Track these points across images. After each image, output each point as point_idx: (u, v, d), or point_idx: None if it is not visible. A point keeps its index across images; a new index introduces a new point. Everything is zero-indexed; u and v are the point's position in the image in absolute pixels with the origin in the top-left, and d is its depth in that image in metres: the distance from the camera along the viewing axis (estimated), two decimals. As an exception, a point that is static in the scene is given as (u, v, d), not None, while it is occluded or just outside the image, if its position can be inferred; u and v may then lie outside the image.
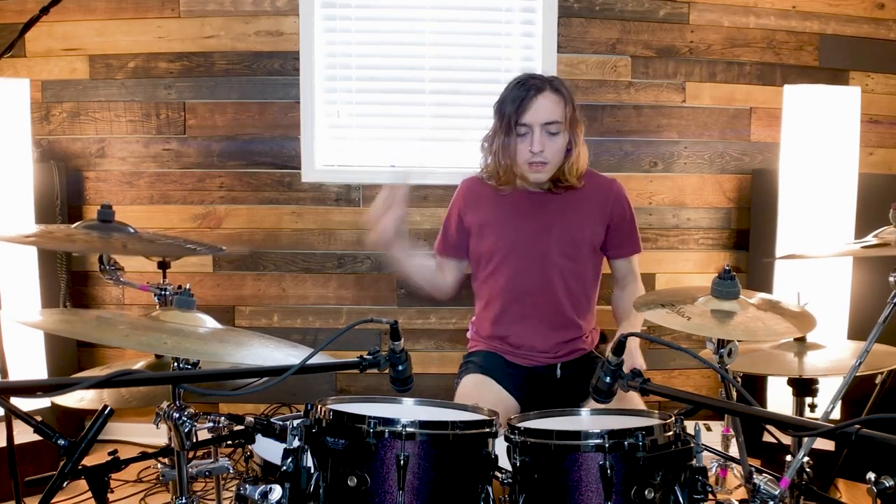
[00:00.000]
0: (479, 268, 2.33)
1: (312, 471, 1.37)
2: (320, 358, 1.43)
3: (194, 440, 1.48)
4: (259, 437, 1.45)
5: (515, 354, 2.27)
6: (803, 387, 1.90)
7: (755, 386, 2.97)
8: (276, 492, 1.34)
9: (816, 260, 2.80)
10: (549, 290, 2.24)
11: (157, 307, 1.86)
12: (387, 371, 1.53)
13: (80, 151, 3.25)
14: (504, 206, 2.25)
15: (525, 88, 2.12)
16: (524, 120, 2.10)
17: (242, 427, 1.48)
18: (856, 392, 1.91)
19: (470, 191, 2.32)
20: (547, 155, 2.12)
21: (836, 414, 1.61)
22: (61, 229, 1.70)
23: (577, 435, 1.38)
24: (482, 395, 2.11)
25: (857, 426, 1.04)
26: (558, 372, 2.25)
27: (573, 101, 2.18)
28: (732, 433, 1.72)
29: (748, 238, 3.23)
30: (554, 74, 2.21)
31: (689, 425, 1.43)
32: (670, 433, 1.39)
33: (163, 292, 1.93)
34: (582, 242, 2.25)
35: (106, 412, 1.28)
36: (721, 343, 1.59)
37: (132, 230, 1.66)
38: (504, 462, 1.45)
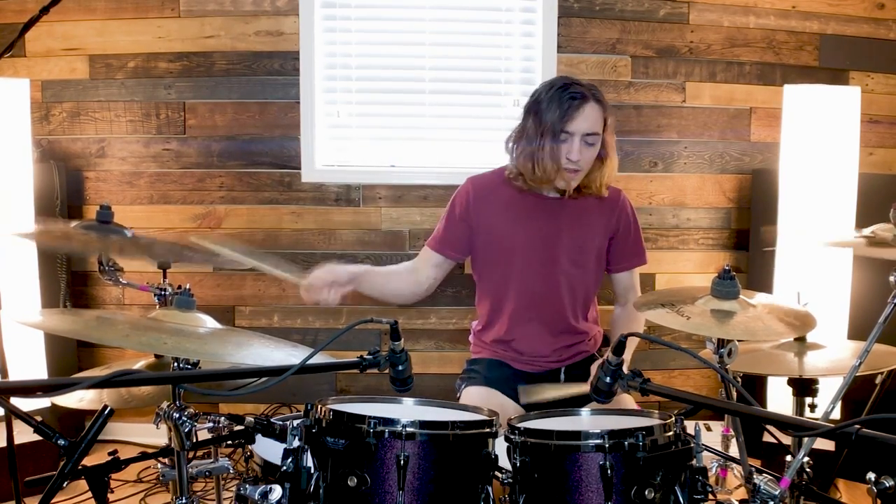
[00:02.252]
0: (484, 271, 2.32)
1: (312, 471, 1.37)
2: (320, 358, 1.43)
3: (194, 440, 1.48)
4: (259, 437, 1.45)
5: (519, 360, 2.26)
6: (803, 387, 1.90)
7: (755, 386, 2.97)
8: (276, 492, 1.34)
9: (816, 260, 2.80)
10: (554, 295, 2.23)
11: (157, 307, 1.86)
12: (387, 371, 1.53)
13: (80, 151, 3.25)
14: (514, 210, 2.24)
15: (570, 95, 2.08)
16: (568, 128, 2.08)
17: (242, 427, 1.48)
18: (856, 392, 1.90)
19: (478, 190, 2.29)
20: (582, 163, 2.11)
21: (836, 414, 1.61)
22: (59, 228, 1.70)
23: (577, 435, 1.38)
24: (488, 406, 2.10)
25: (857, 426, 1.04)
26: (562, 376, 2.25)
27: (611, 112, 2.16)
28: (732, 433, 1.72)
29: (748, 238, 3.23)
30: (591, 82, 2.19)
31: (689, 425, 1.43)
32: (670, 433, 1.39)
33: (163, 292, 1.93)
34: (590, 251, 2.24)
35: (106, 412, 1.28)
36: (721, 343, 1.59)
37: (128, 233, 1.65)
38: (504, 462, 1.45)
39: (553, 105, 2.10)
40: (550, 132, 2.10)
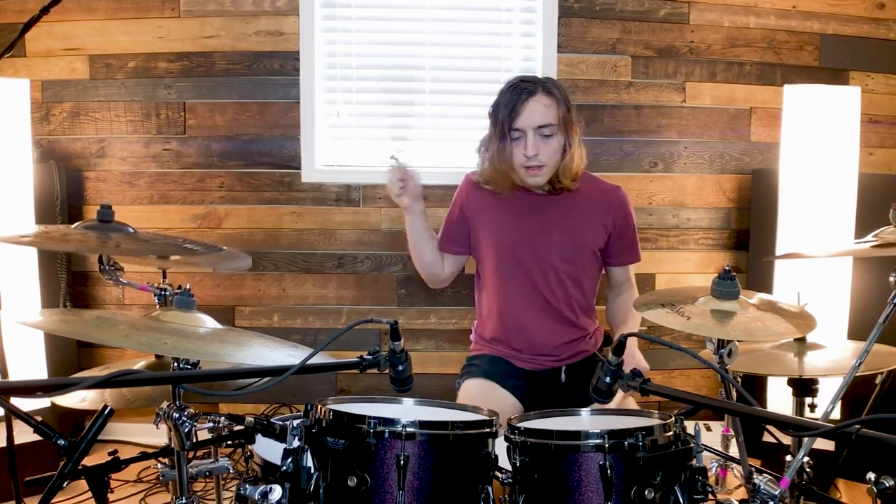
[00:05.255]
0: (481, 267, 2.33)
1: (312, 471, 1.37)
2: (320, 358, 1.43)
3: (194, 440, 1.48)
4: (259, 437, 1.45)
5: (519, 358, 2.26)
6: (803, 387, 1.90)
7: (755, 386, 2.97)
8: (276, 492, 1.34)
9: (816, 260, 2.80)
10: (548, 292, 2.23)
11: (157, 307, 1.86)
12: (387, 371, 1.53)
13: (80, 151, 3.25)
14: (506, 207, 2.25)
15: (517, 92, 2.11)
16: (517, 125, 2.10)
17: (242, 427, 1.48)
18: (856, 392, 1.90)
19: (473, 187, 2.32)
20: (542, 158, 2.12)
21: (836, 414, 1.61)
22: (59, 230, 1.70)
23: (576, 435, 1.38)
24: (486, 399, 2.10)
25: (857, 426, 1.04)
26: (563, 375, 2.25)
27: (567, 102, 2.16)
28: (732, 433, 1.72)
29: (748, 238, 3.23)
30: (548, 76, 2.20)
31: (689, 425, 1.43)
32: (670, 433, 1.39)
33: (163, 292, 1.93)
34: (582, 247, 2.24)
35: (106, 412, 1.28)
36: (721, 343, 1.59)
37: (131, 230, 1.66)
38: (504, 462, 1.45)
39: (502, 105, 2.13)
40: (502, 133, 2.12)
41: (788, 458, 1.69)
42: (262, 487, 1.35)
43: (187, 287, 1.62)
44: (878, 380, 2.10)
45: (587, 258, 2.25)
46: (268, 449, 1.50)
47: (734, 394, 1.57)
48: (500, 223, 2.25)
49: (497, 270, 2.26)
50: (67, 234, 1.60)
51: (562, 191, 2.21)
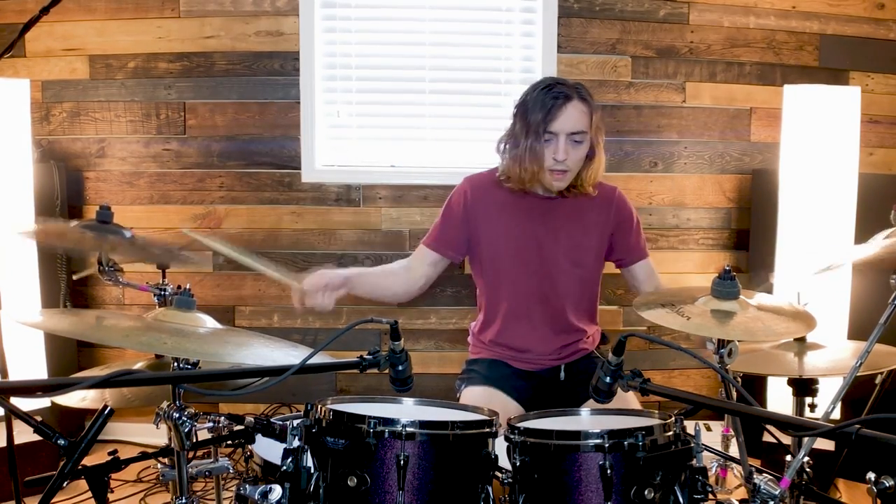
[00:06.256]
0: (483, 271, 2.32)
1: (312, 471, 1.37)
2: (320, 358, 1.43)
3: (194, 440, 1.48)
4: (259, 437, 1.45)
5: (519, 359, 2.26)
6: (803, 387, 1.90)
7: (755, 386, 2.97)
8: (276, 492, 1.34)
9: (816, 260, 2.79)
10: (555, 295, 2.23)
11: (157, 307, 1.86)
12: (387, 371, 1.53)
13: (80, 151, 3.25)
14: (510, 210, 2.23)
15: (553, 95, 2.09)
16: (552, 128, 2.08)
17: (242, 427, 1.48)
18: (856, 392, 1.90)
19: (475, 190, 2.29)
20: (569, 163, 2.11)
21: (836, 414, 1.61)
22: (59, 227, 1.70)
23: (576, 435, 1.38)
24: (488, 406, 2.10)
25: (857, 426, 1.04)
26: (562, 374, 2.25)
27: (597, 111, 2.16)
28: (732, 433, 1.72)
29: (748, 238, 3.23)
30: (578, 81, 2.19)
31: (689, 425, 1.43)
32: (670, 433, 1.39)
33: (163, 292, 1.93)
34: (588, 249, 2.24)
35: (106, 412, 1.28)
36: (721, 343, 1.59)
37: (127, 233, 1.65)
38: (504, 462, 1.45)
39: (537, 106, 2.10)
40: (535, 133, 2.10)
41: (788, 458, 1.69)
42: (262, 487, 1.35)
43: (187, 287, 1.62)
44: (878, 380, 2.10)
45: (592, 260, 2.25)
46: (268, 449, 1.50)
47: (734, 394, 1.57)
48: (506, 225, 2.24)
49: (501, 273, 2.25)
50: (65, 234, 1.60)
51: (573, 194, 2.21)
